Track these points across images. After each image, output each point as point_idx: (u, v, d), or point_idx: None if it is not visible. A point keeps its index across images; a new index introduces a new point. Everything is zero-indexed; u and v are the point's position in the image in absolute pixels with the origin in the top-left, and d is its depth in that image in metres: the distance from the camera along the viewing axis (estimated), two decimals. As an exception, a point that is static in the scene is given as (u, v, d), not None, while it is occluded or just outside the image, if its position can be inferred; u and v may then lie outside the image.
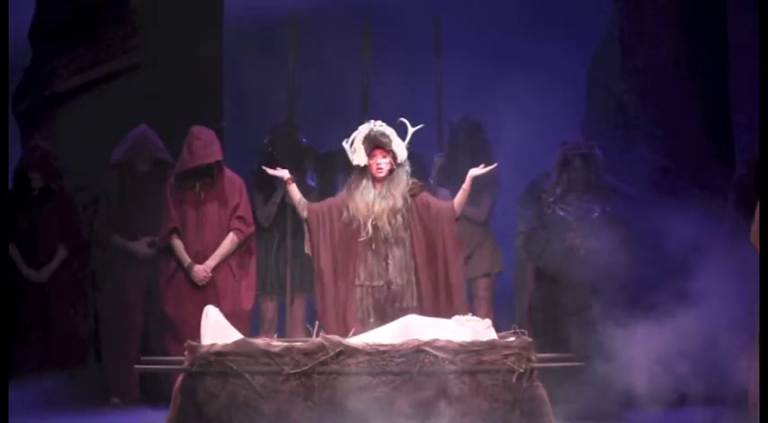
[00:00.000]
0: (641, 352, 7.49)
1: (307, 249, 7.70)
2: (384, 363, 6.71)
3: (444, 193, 9.05)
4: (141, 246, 9.31)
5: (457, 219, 7.73)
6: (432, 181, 9.52)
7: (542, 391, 6.81)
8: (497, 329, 7.11)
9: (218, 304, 7.64)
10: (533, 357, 6.80)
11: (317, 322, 7.37)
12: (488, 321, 7.10)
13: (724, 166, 10.05)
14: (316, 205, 7.75)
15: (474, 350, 6.75)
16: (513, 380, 6.73)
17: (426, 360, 6.72)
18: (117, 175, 9.45)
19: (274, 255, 9.46)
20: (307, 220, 7.71)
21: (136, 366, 7.34)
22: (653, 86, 10.37)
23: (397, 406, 6.67)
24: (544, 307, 8.58)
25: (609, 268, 8.20)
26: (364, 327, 7.39)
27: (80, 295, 9.40)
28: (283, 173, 7.81)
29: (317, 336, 6.98)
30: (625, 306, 8.03)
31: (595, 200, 8.60)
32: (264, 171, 7.92)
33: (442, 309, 7.47)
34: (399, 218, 7.61)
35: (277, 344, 6.86)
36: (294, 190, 7.76)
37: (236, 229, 8.76)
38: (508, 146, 9.56)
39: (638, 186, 9.99)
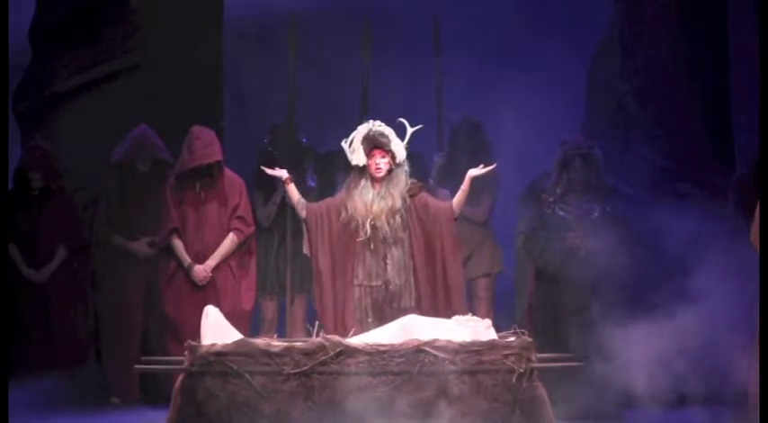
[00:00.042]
0: (641, 352, 7.49)
1: (305, 249, 7.70)
2: (384, 363, 6.71)
3: (444, 193, 9.05)
4: (141, 246, 9.31)
5: (456, 219, 7.73)
6: (432, 181, 9.52)
7: (542, 391, 6.81)
8: (497, 329, 7.11)
9: (218, 304, 7.64)
10: (533, 357, 6.80)
11: (316, 322, 7.37)
12: (488, 321, 7.10)
13: (724, 166, 10.05)
14: (314, 205, 7.76)
15: (474, 350, 6.75)
16: (513, 380, 6.73)
17: (426, 360, 6.72)
18: (117, 175, 9.45)
19: (274, 255, 9.47)
20: (305, 220, 7.71)
21: (136, 366, 7.34)
22: (653, 86, 10.36)
23: (397, 406, 6.67)
24: (544, 307, 8.59)
25: (609, 268, 8.20)
26: (362, 327, 7.39)
27: (80, 295, 9.40)
28: (282, 173, 7.82)
29: (317, 336, 6.98)
30: (625, 306, 8.02)
31: (595, 200, 8.60)
32: (264, 171, 7.92)
33: (440, 309, 7.47)
34: (398, 218, 7.61)
35: (277, 344, 6.87)
36: (292, 190, 7.76)
37: (236, 229, 8.76)
38: (508, 146, 9.56)
39: (638, 186, 9.99)
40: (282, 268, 9.44)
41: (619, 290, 8.29)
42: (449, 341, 6.77)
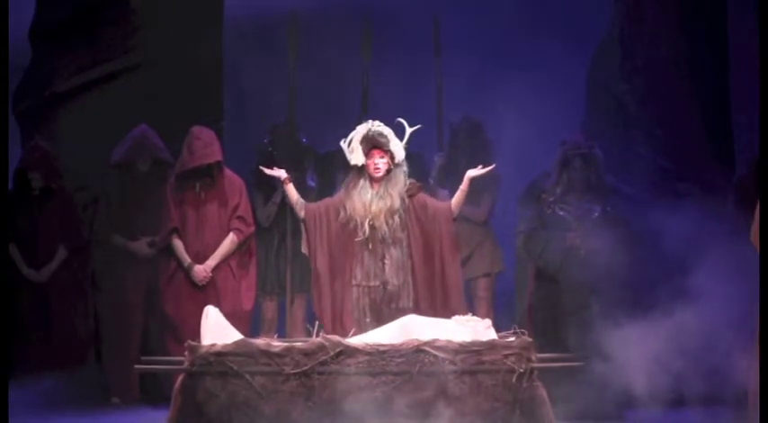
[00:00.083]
0: (641, 352, 7.49)
1: (304, 249, 7.71)
2: (384, 363, 6.71)
3: (444, 193, 9.06)
4: (141, 246, 9.31)
5: (454, 219, 7.73)
6: (432, 181, 9.52)
7: (542, 391, 6.81)
8: (497, 329, 7.11)
9: (218, 304, 7.65)
10: (533, 357, 6.80)
11: (317, 322, 7.37)
12: (488, 321, 7.10)
13: (724, 166, 10.05)
14: (313, 205, 7.76)
15: (474, 350, 6.75)
16: (513, 380, 6.73)
17: (426, 360, 6.72)
18: (117, 175, 9.45)
19: (274, 255, 9.47)
20: (304, 220, 7.72)
21: (136, 366, 7.34)
22: (653, 86, 10.36)
23: (397, 406, 6.67)
24: (544, 307, 8.59)
25: (609, 268, 8.20)
26: (360, 327, 7.40)
27: (80, 295, 9.40)
28: (280, 173, 7.82)
29: (317, 336, 6.98)
30: (625, 306, 8.02)
31: (595, 200, 8.60)
32: (264, 171, 7.92)
33: (438, 309, 7.47)
34: (396, 218, 7.61)
35: (277, 344, 6.87)
36: (291, 190, 7.77)
37: (236, 229, 8.76)
38: (508, 146, 9.56)
39: (638, 186, 9.98)
40: (282, 268, 9.44)
41: (619, 290, 8.29)
42: (449, 341, 6.77)
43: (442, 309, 7.48)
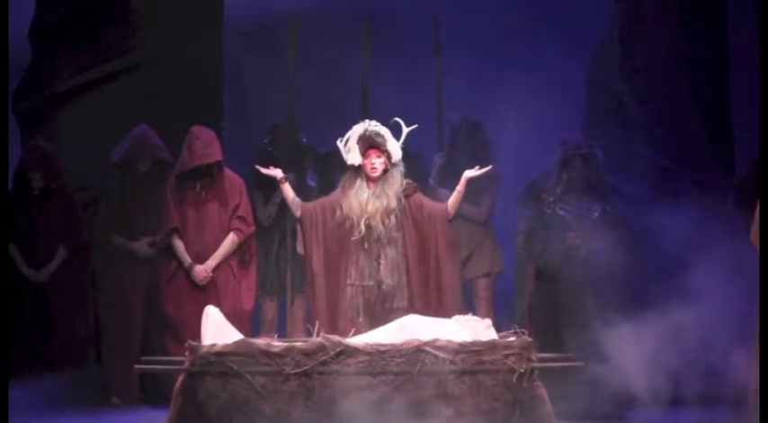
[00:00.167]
0: (641, 351, 7.49)
1: (299, 249, 7.73)
2: (384, 363, 6.71)
3: (445, 193, 9.05)
4: (142, 246, 9.31)
5: (451, 220, 7.74)
6: (432, 181, 9.52)
7: (542, 391, 6.81)
8: (497, 329, 7.11)
9: (218, 304, 7.65)
10: (533, 357, 6.80)
11: (317, 322, 7.37)
12: (488, 321, 7.11)
13: (724, 166, 10.05)
14: (309, 205, 7.77)
15: (474, 350, 6.75)
16: (514, 380, 6.73)
17: (426, 360, 6.72)
18: (117, 175, 9.45)
19: (275, 255, 9.47)
20: (300, 220, 7.74)
21: (136, 366, 7.34)
22: (653, 86, 10.36)
23: (397, 406, 6.67)
24: (544, 307, 8.59)
25: (609, 268, 8.20)
26: (354, 326, 7.39)
27: (80, 295, 9.40)
28: (276, 172, 7.82)
29: (318, 336, 6.98)
30: (625, 306, 8.03)
31: (595, 200, 8.60)
32: (260, 170, 7.93)
33: (432, 309, 7.47)
34: (393, 218, 7.61)
35: (277, 344, 6.87)
36: (287, 189, 7.78)
37: (237, 229, 8.76)
38: (508, 146, 9.57)
39: (638, 186, 9.99)
40: (283, 268, 9.44)
41: (619, 290, 8.29)
42: (449, 341, 6.77)
43: (436, 309, 7.49)
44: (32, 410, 8.27)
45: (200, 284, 8.68)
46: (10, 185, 9.41)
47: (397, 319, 7.17)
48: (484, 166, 7.77)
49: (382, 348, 6.74)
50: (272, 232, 9.46)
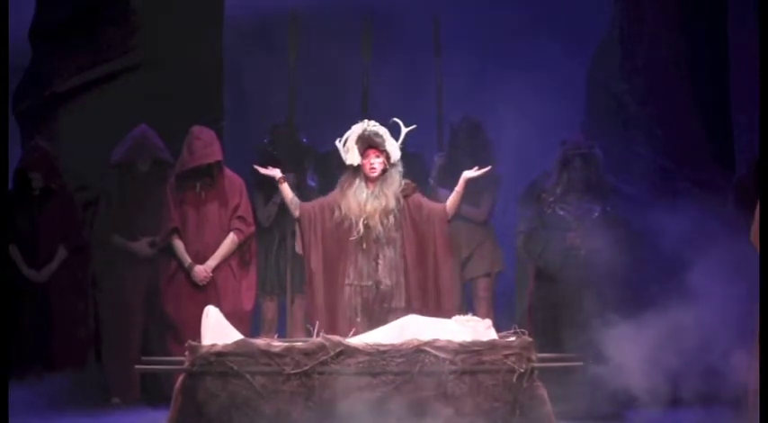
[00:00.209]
0: (641, 351, 7.48)
1: (298, 249, 7.73)
2: (384, 363, 6.71)
3: (444, 193, 9.05)
4: (142, 246, 9.31)
5: (449, 221, 7.74)
6: (432, 181, 9.52)
7: (542, 391, 6.81)
8: (497, 329, 7.11)
9: (218, 304, 7.65)
10: (533, 357, 6.80)
11: (317, 322, 7.37)
12: (489, 321, 7.11)
13: (724, 166, 10.05)
14: (307, 205, 7.77)
15: (474, 350, 6.75)
16: (514, 380, 6.73)
17: (426, 360, 6.72)
18: (117, 175, 9.44)
19: (275, 255, 9.47)
20: (298, 220, 7.74)
21: (136, 366, 7.33)
22: (653, 86, 10.37)
23: (397, 406, 6.67)
24: (544, 307, 8.59)
25: (609, 268, 8.20)
26: (352, 326, 7.40)
27: (80, 295, 9.40)
28: (275, 172, 7.83)
29: (318, 336, 6.98)
30: (625, 306, 8.02)
31: (595, 200, 8.60)
32: (259, 170, 7.93)
33: (430, 310, 7.47)
34: (391, 218, 7.62)
35: (277, 344, 6.87)
36: (286, 189, 7.78)
37: (237, 230, 8.76)
38: (508, 146, 9.57)
39: (638, 186, 9.99)
40: (283, 268, 9.45)
41: (619, 289, 8.29)
42: (449, 341, 6.77)
43: (434, 309, 7.49)
44: (32, 410, 8.27)
45: (200, 284, 8.68)
46: (10, 185, 9.41)
47: (395, 319, 7.18)
48: (483, 167, 7.77)
49: (382, 348, 6.74)
50: (273, 232, 9.47)
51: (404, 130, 7.70)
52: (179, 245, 8.73)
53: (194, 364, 6.74)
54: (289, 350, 6.75)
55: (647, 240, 8.62)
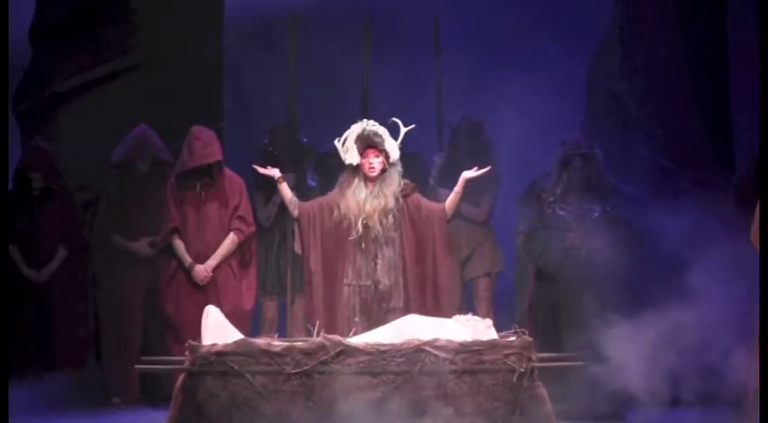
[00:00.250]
0: (641, 351, 7.48)
1: (297, 249, 7.73)
2: (384, 362, 6.71)
3: (444, 193, 9.05)
4: (142, 246, 9.31)
5: (448, 221, 7.74)
6: (432, 181, 9.53)
7: (543, 391, 6.81)
8: (498, 329, 7.11)
9: (218, 304, 7.65)
10: (534, 357, 6.80)
11: (317, 322, 7.37)
12: (489, 321, 7.11)
13: (724, 166, 10.05)
14: (306, 204, 7.77)
15: (474, 350, 6.75)
16: (514, 379, 6.73)
17: (427, 360, 6.72)
18: (117, 175, 9.45)
19: (275, 255, 9.47)
20: (297, 219, 7.74)
21: (136, 366, 7.33)
22: (653, 86, 10.37)
23: (397, 406, 6.67)
24: (544, 307, 8.59)
25: (609, 268, 8.20)
26: (349, 326, 7.40)
27: (80, 295, 9.40)
28: (274, 172, 7.83)
29: (318, 335, 6.98)
30: (625, 306, 8.02)
31: (595, 200, 8.60)
32: (258, 170, 7.93)
33: (429, 310, 7.46)
34: (390, 218, 7.61)
35: (278, 344, 6.86)
36: (285, 189, 7.78)
37: (237, 229, 8.76)
38: (508, 146, 9.57)
39: (638, 186, 9.99)
40: (283, 268, 9.45)
41: (619, 289, 8.29)
42: (449, 341, 6.77)
43: (432, 309, 7.49)
44: (32, 410, 8.27)
45: (201, 284, 8.68)
46: (10, 185, 9.41)
47: (394, 319, 7.18)
48: (483, 167, 7.77)
49: (382, 348, 6.74)
50: (273, 232, 9.47)
51: (403, 130, 7.71)
52: (179, 245, 8.74)
53: (194, 363, 6.74)
54: (289, 350, 6.75)
55: (647, 240, 8.62)
